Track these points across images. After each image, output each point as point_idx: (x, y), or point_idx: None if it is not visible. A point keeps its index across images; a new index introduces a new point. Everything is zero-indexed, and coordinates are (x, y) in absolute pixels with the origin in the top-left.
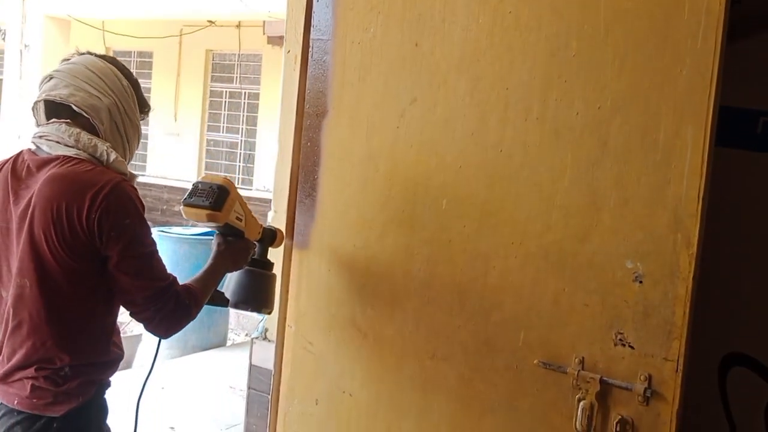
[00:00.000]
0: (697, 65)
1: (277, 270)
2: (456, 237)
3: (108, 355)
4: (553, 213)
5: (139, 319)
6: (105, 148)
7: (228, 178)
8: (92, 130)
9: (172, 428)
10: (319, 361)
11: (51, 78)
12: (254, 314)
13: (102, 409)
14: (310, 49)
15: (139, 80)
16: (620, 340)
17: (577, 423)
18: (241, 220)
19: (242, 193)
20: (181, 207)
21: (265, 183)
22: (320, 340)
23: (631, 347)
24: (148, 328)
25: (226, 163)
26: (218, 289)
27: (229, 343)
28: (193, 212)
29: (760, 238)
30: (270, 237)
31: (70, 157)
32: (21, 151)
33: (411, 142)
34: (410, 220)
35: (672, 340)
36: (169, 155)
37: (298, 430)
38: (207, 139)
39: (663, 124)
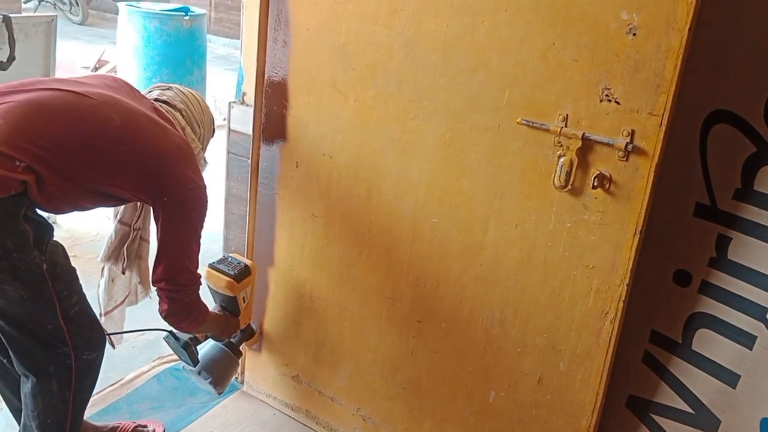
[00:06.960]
0: None
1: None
2: None
3: (54, 207)
4: None
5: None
6: (198, 143)
7: (254, 264)
8: None
9: None
10: (299, 125)
11: (170, 88)
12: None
13: (28, 206)
14: None
15: None
16: (606, 96)
17: (556, 179)
18: (244, 302)
19: None
20: (206, 268)
21: None
22: (300, 103)
23: (617, 103)
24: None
25: None
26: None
27: None
28: (215, 276)
29: None
30: (250, 332)
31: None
32: None
33: None
34: None
35: (659, 95)
36: None
37: (277, 191)
38: None
39: None
